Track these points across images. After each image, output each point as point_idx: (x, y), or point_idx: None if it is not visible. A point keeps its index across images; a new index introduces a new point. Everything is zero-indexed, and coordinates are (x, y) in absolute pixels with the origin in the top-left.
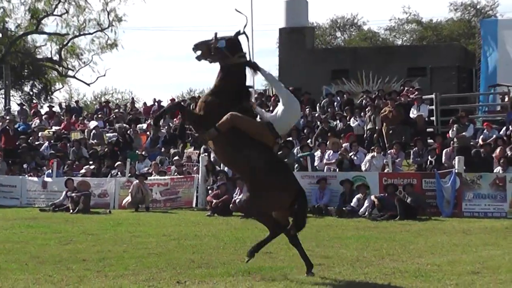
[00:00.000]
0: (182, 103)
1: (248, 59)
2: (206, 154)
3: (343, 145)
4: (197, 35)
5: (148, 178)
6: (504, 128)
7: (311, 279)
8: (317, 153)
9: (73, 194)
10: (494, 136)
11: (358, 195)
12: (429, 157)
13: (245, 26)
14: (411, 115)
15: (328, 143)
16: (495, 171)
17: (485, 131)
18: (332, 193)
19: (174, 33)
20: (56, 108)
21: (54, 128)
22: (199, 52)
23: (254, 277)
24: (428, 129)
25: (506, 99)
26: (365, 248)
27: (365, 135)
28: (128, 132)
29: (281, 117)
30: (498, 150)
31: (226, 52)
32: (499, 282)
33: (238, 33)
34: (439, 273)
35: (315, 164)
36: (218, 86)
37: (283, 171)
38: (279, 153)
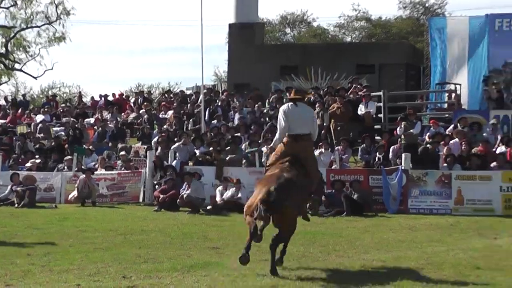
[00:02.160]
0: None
1: None
2: (154, 149)
3: None
4: (145, 30)
5: (95, 172)
6: (451, 126)
7: (255, 272)
8: (265, 149)
9: (19, 188)
10: (440, 133)
11: None
12: (377, 154)
13: None
14: (359, 112)
15: None
16: (440, 168)
17: (431, 128)
18: None
19: (122, 27)
20: (2, 102)
21: (0, 121)
22: None
23: (200, 272)
24: (376, 126)
25: (453, 96)
26: (311, 244)
27: None
28: (76, 126)
29: None
30: (445, 148)
31: None
32: (443, 278)
33: None
34: (385, 269)
35: (263, 160)
36: None
37: None
38: (227, 148)
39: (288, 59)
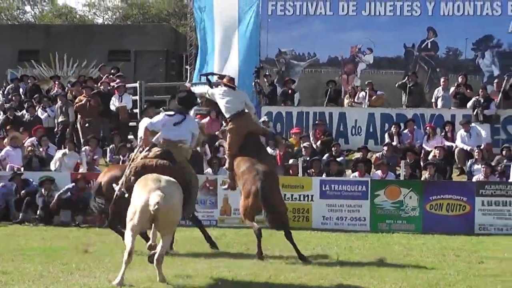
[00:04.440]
0: None
1: None
2: None
3: (29, 140)
4: None
5: None
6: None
7: None
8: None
9: None
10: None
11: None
12: (127, 155)
13: None
14: (112, 107)
15: (6, 138)
16: (205, 172)
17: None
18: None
19: None
20: None
21: None
22: None
23: None
24: (131, 123)
25: None
26: (51, 262)
27: (56, 128)
28: None
29: None
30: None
31: None
32: None
33: None
34: None
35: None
36: None
37: None
38: None
39: (27, 42)
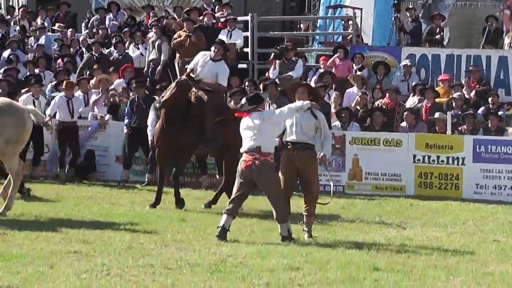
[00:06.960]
0: None
1: None
2: None
3: (116, 81)
4: None
5: None
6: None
7: None
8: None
9: None
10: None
11: None
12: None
13: None
14: None
15: (94, 78)
16: (332, 125)
17: (320, 70)
18: None
19: None
20: None
21: None
22: None
23: None
24: (241, 65)
25: (351, 26)
26: (142, 232)
27: (146, 68)
28: None
29: None
30: (333, 97)
31: None
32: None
33: None
34: None
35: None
36: None
37: None
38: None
39: None
